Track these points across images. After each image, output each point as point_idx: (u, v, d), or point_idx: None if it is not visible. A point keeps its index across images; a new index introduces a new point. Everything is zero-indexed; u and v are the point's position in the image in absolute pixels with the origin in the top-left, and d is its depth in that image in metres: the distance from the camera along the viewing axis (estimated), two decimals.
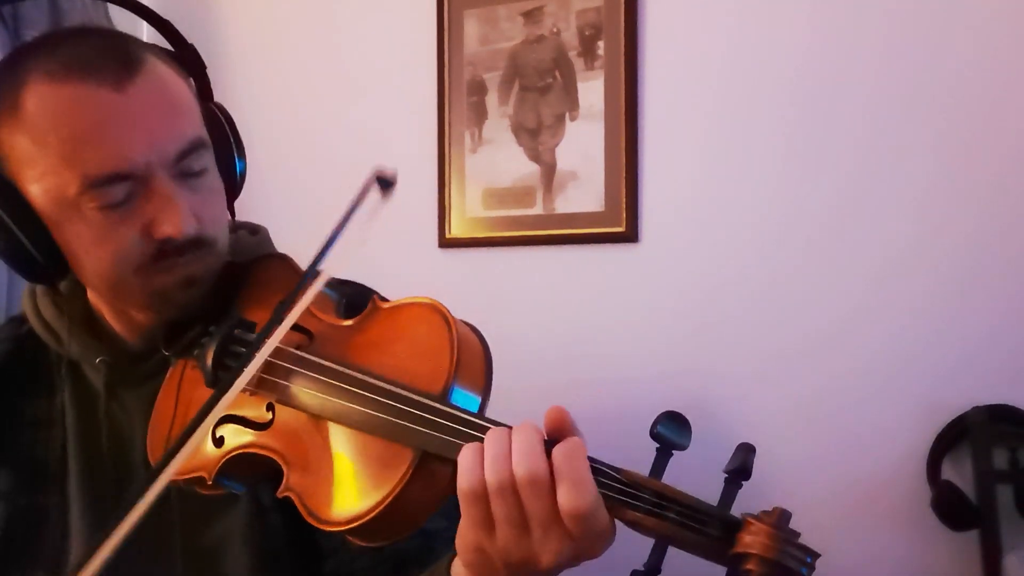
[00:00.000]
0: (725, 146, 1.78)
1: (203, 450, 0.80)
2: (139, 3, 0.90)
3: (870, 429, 1.64)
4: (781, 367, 1.71)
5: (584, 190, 1.87)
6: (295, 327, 0.79)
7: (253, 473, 0.78)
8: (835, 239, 1.71)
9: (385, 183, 0.74)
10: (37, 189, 0.79)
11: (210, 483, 0.78)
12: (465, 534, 0.65)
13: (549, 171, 1.90)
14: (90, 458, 0.91)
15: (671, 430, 0.65)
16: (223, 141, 0.89)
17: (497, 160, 1.94)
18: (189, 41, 0.92)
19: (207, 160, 0.85)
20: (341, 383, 0.73)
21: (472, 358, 0.73)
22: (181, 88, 0.84)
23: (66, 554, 0.88)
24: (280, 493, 0.73)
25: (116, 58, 0.79)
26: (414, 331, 0.76)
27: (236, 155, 0.90)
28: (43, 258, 0.82)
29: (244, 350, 0.76)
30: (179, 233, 0.79)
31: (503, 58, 1.94)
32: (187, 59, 0.89)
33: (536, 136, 1.91)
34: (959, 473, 1.61)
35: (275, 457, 0.75)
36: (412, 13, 2.03)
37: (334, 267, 0.74)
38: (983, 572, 1.54)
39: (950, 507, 1.57)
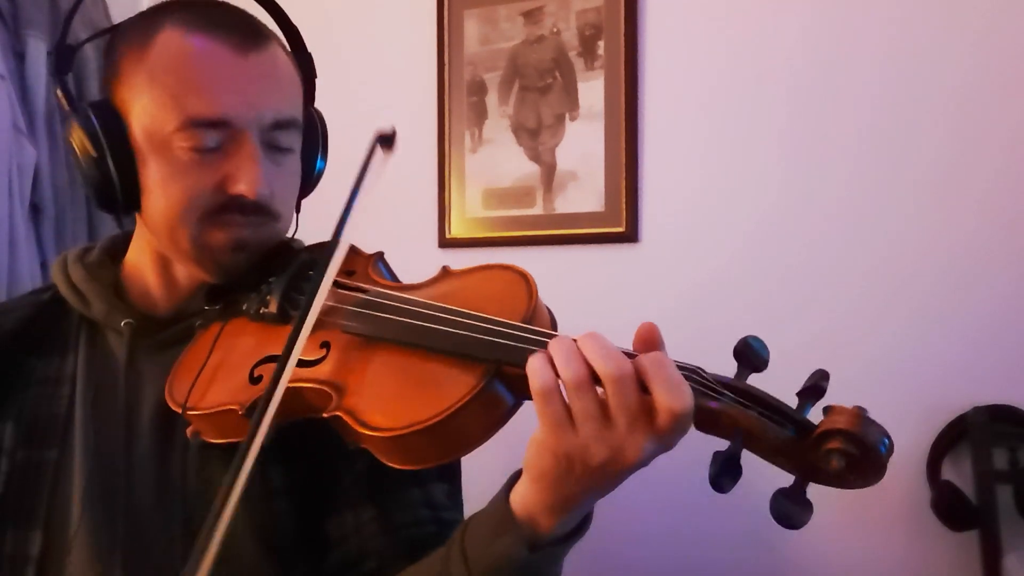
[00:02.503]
0: (725, 146, 1.79)
1: (236, 385, 0.81)
2: (276, 5, 0.98)
3: None
4: (781, 367, 1.69)
5: (584, 190, 1.87)
6: (356, 288, 0.82)
7: (286, 412, 0.78)
8: (835, 239, 1.71)
9: (387, 140, 0.79)
10: (138, 121, 0.86)
11: (241, 414, 0.78)
12: (545, 440, 0.66)
13: (549, 171, 1.90)
14: (100, 419, 0.92)
15: (759, 343, 0.68)
16: (313, 142, 0.96)
17: (497, 160, 1.94)
18: None
19: (295, 142, 0.91)
20: (417, 308, 0.75)
21: (543, 320, 0.74)
22: (293, 74, 0.92)
23: (62, 511, 0.89)
24: (328, 413, 0.74)
25: (246, 29, 0.88)
26: (490, 285, 0.78)
27: (320, 157, 0.98)
28: (120, 184, 0.87)
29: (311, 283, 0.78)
30: (252, 193, 0.84)
31: (503, 58, 1.94)
32: (303, 64, 0.97)
33: (536, 136, 1.91)
34: (959, 473, 1.61)
35: (324, 387, 0.75)
36: (412, 13, 2.03)
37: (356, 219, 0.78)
38: (983, 572, 1.54)
39: (950, 507, 1.57)
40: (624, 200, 1.83)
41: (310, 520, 0.88)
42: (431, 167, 1.99)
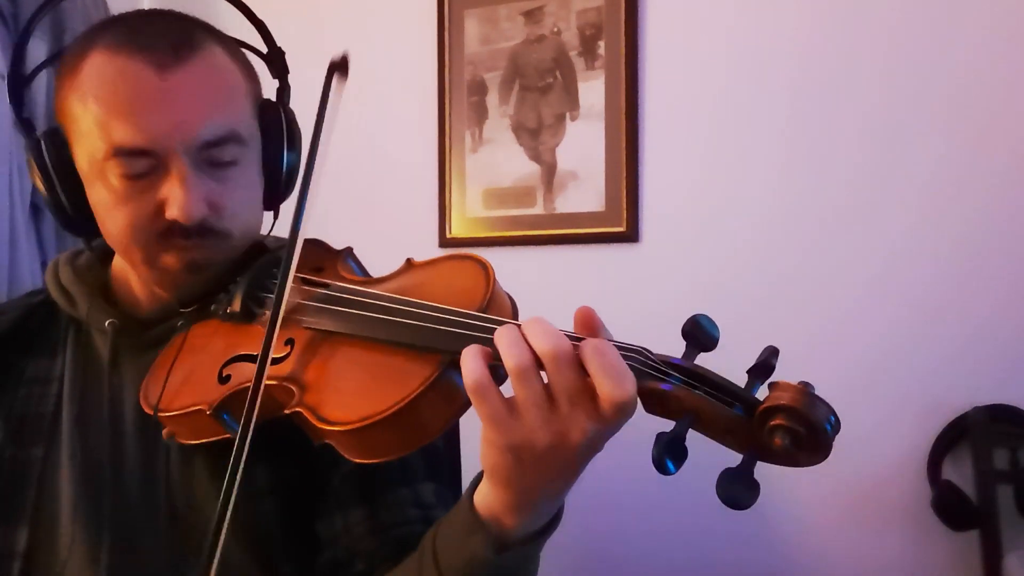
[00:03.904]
0: (725, 146, 1.79)
1: (206, 385, 0.81)
2: (241, 2, 0.96)
3: (870, 429, 1.65)
4: (781, 367, 1.70)
5: (584, 190, 1.87)
6: (320, 284, 0.81)
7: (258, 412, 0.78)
8: (835, 239, 1.71)
9: (340, 67, 0.76)
10: (78, 148, 0.86)
11: (209, 413, 0.78)
12: (486, 436, 0.65)
13: (549, 171, 1.90)
14: (85, 418, 0.93)
15: (709, 323, 0.66)
16: (275, 141, 0.92)
17: (497, 160, 1.94)
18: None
19: (239, 154, 0.87)
20: (376, 301, 0.75)
21: (502, 307, 0.73)
22: (229, 81, 0.87)
23: (48, 508, 0.90)
24: (290, 409, 0.74)
25: (171, 43, 0.84)
26: (449, 276, 0.77)
27: (289, 153, 0.93)
28: (72, 211, 0.88)
29: (275, 280, 0.78)
30: (185, 218, 0.83)
31: (503, 58, 1.94)
32: (273, 60, 0.95)
33: (536, 136, 1.91)
34: (959, 473, 1.61)
35: (288, 384, 0.75)
36: (412, 13, 2.03)
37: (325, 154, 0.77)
38: (983, 572, 1.54)
39: (950, 507, 1.57)
40: (624, 200, 1.83)
41: (298, 520, 0.88)
42: (431, 167, 1.99)
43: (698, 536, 1.71)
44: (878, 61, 1.69)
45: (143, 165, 0.82)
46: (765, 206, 1.75)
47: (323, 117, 0.75)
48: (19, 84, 0.91)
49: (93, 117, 0.82)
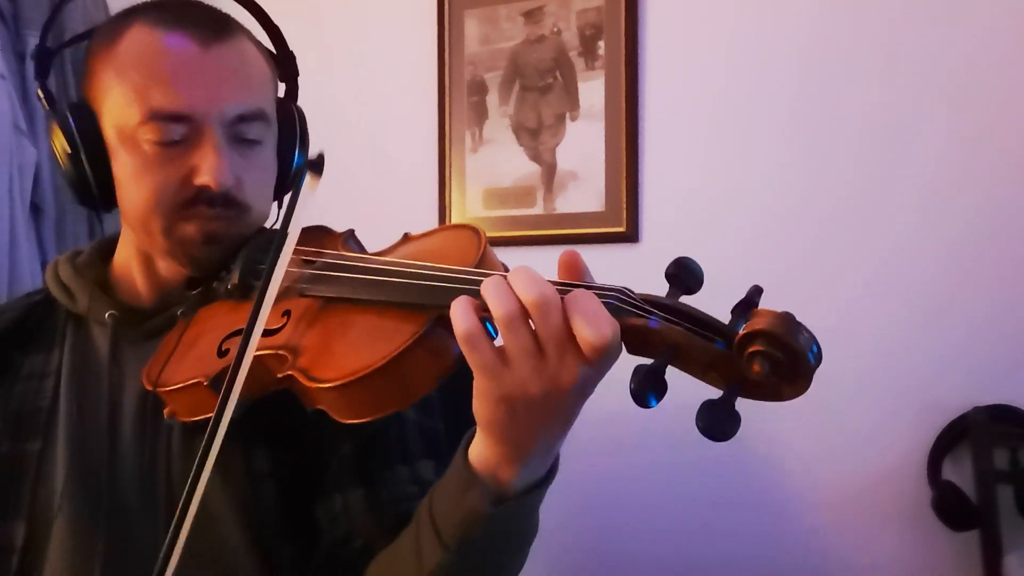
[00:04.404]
0: (725, 146, 1.79)
1: (205, 359, 0.82)
2: (256, 4, 1.00)
3: (870, 429, 1.64)
4: None
5: (584, 190, 1.87)
6: (314, 255, 0.83)
7: (252, 384, 0.78)
8: (835, 239, 1.71)
9: (316, 166, 0.78)
10: (108, 117, 0.88)
11: (206, 384, 0.79)
12: (480, 386, 0.65)
13: (549, 171, 1.90)
14: (83, 412, 0.93)
15: (695, 265, 0.67)
16: (290, 138, 0.97)
17: (498, 160, 1.94)
18: None
19: (264, 134, 0.92)
20: (368, 264, 0.77)
21: (494, 269, 0.74)
22: (262, 67, 0.93)
23: (45, 502, 0.90)
24: (282, 373, 0.75)
25: (211, 24, 0.89)
26: (443, 243, 0.80)
27: (299, 153, 0.98)
28: (95, 180, 0.90)
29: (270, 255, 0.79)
30: (216, 184, 0.86)
31: (503, 58, 1.94)
32: (284, 62, 0.99)
33: (536, 136, 1.91)
34: (959, 473, 1.61)
35: (282, 352, 0.76)
36: (412, 13, 2.03)
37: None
38: (983, 572, 1.54)
39: (950, 507, 1.57)
40: (624, 200, 1.83)
41: (297, 505, 0.88)
42: (431, 167, 1.99)
43: (698, 535, 1.71)
44: (878, 60, 1.69)
45: (177, 132, 0.85)
46: (765, 206, 1.75)
47: (294, 208, 0.77)
48: (46, 56, 0.95)
49: (131, 85, 0.85)
